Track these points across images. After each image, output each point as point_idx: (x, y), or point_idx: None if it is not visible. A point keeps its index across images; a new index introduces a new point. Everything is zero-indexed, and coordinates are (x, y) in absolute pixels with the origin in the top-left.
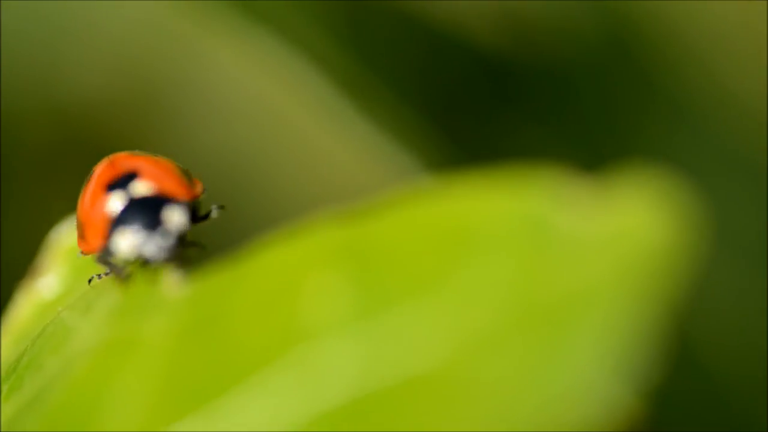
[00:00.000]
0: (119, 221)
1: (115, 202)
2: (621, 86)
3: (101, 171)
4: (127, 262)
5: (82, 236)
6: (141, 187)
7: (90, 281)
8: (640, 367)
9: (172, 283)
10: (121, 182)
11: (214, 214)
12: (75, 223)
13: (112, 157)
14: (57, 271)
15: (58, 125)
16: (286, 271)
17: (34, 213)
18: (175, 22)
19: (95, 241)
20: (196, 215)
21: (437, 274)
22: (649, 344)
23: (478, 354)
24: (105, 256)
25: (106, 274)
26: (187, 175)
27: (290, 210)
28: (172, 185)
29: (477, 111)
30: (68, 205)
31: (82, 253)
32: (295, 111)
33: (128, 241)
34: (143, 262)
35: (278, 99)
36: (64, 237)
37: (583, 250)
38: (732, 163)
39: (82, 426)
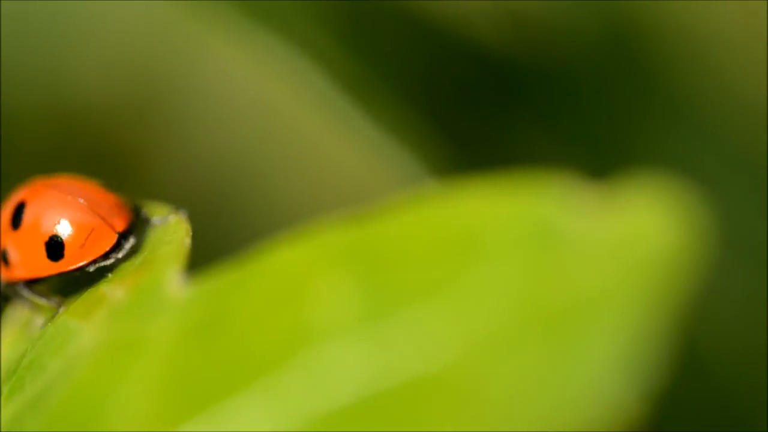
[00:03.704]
0: None
1: None
2: (624, 87)
3: None
4: None
5: None
6: None
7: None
8: (648, 370)
9: (177, 284)
10: None
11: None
12: None
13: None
14: None
15: (58, 129)
16: (292, 273)
17: None
18: (177, 24)
19: None
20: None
21: (444, 277)
22: (656, 347)
23: (485, 357)
24: None
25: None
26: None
27: (295, 212)
28: None
29: (481, 112)
30: None
31: None
32: (298, 112)
33: None
34: None
35: (281, 100)
36: None
37: (590, 254)
38: (733, 164)
39: (85, 427)
